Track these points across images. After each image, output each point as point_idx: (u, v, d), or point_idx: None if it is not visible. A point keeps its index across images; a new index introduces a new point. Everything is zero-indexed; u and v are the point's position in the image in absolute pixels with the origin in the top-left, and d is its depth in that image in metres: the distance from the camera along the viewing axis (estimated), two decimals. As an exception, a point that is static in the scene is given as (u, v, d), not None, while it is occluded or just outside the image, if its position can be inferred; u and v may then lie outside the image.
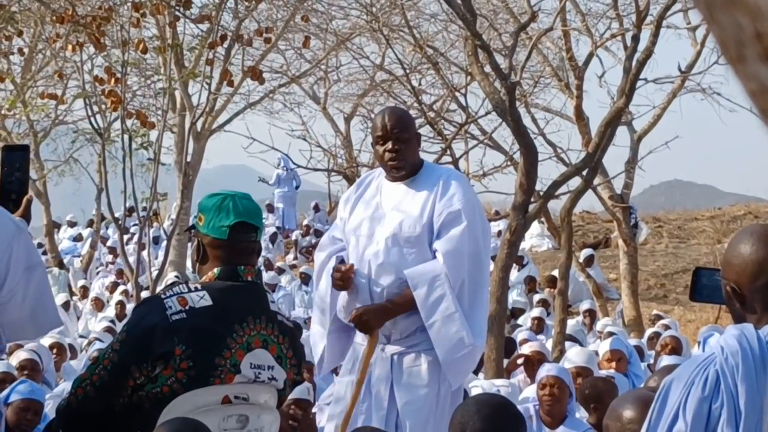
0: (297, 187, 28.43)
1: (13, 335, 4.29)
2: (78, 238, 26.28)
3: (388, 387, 5.38)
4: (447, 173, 5.53)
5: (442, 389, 5.33)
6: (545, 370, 7.57)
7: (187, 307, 4.11)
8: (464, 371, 5.41)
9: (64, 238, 26.43)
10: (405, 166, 5.42)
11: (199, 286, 4.20)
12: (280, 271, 20.77)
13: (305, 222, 26.90)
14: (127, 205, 12.71)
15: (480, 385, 8.14)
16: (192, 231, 4.40)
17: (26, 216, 4.37)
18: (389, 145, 5.39)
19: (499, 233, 18.81)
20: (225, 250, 4.26)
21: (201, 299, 4.14)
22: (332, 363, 5.75)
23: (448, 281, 5.26)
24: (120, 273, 20.99)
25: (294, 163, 14.08)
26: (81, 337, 15.40)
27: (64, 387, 8.51)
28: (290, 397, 7.58)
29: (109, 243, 24.90)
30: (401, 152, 5.38)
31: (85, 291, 19.82)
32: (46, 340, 10.94)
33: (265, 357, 4.20)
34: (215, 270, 4.24)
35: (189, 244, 18.30)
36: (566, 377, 7.58)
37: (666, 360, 8.96)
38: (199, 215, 4.33)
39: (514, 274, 17.02)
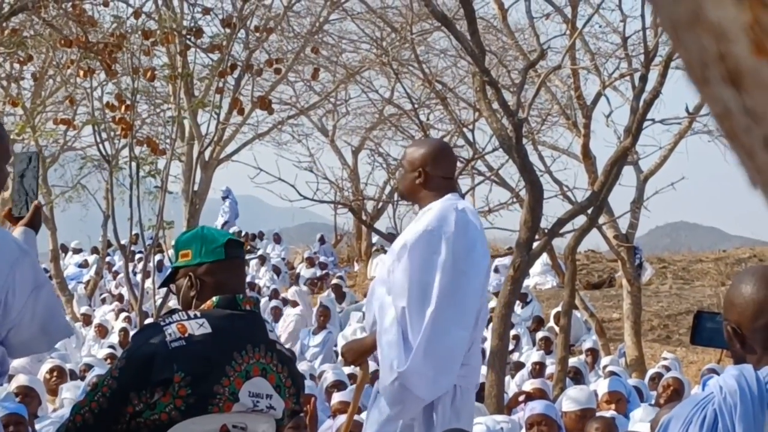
0: (236, 217, 28.65)
1: (26, 351, 4.35)
2: (84, 265, 26.32)
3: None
4: (435, 204, 5.43)
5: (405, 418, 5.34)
6: (529, 409, 7.58)
7: (186, 335, 4.11)
8: (396, 401, 5.29)
9: (69, 263, 26.46)
10: (399, 192, 5.71)
11: (198, 314, 4.20)
12: (285, 303, 20.76)
13: (306, 254, 26.93)
14: (134, 232, 12.73)
15: (483, 422, 8.13)
16: (178, 273, 4.38)
17: (35, 221, 4.42)
18: None
19: (496, 269, 18.78)
20: (225, 271, 4.28)
21: (200, 327, 4.15)
22: None
23: (392, 308, 5.30)
24: (122, 299, 21.02)
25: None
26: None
27: (62, 412, 8.53)
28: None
29: (114, 269, 24.94)
30: (398, 177, 5.68)
31: (87, 318, 19.80)
32: (47, 365, 10.96)
33: (264, 386, 4.21)
34: (214, 298, 4.25)
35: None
36: (552, 413, 7.58)
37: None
38: (182, 253, 4.32)
39: (518, 311, 17.02)
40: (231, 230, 26.44)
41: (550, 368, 13.04)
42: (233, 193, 28.05)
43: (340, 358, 15.70)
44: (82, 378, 11.01)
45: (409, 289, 5.27)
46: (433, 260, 5.28)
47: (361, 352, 5.45)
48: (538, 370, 13.96)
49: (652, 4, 0.88)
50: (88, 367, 11.84)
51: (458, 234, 5.36)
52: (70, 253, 27.48)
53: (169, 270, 4.53)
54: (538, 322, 17.78)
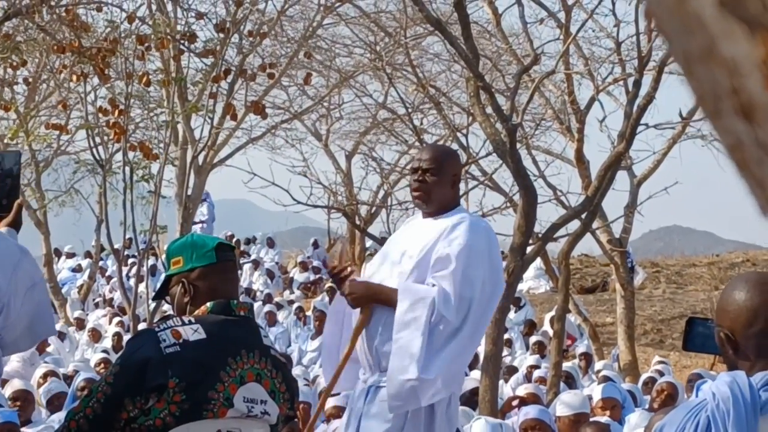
0: (213, 220, 28.65)
1: (13, 350, 4.38)
2: (77, 269, 26.31)
3: (357, 418, 5.49)
4: (465, 217, 5.55)
5: (408, 426, 5.35)
6: (523, 414, 7.60)
7: (180, 340, 4.13)
8: (398, 397, 5.34)
9: (62, 268, 26.44)
10: (427, 199, 5.56)
11: (192, 320, 4.22)
12: (279, 307, 20.76)
13: (300, 258, 26.93)
14: (127, 236, 12.72)
15: (484, 418, 8.17)
16: (171, 281, 4.39)
17: (17, 220, 4.44)
18: (416, 175, 5.58)
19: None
20: (217, 274, 4.31)
21: (195, 332, 4.16)
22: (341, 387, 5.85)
23: (430, 310, 5.32)
24: (111, 302, 21.00)
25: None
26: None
27: (57, 417, 8.52)
28: None
29: (107, 274, 24.92)
30: (425, 184, 5.53)
31: (81, 322, 19.78)
32: (40, 370, 10.94)
33: (259, 391, 4.22)
34: (208, 304, 4.27)
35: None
36: (546, 417, 7.60)
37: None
38: (174, 260, 4.35)
39: (512, 315, 17.01)
40: (222, 234, 26.43)
41: (542, 371, 13.05)
42: (211, 196, 28.00)
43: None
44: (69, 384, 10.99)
45: (456, 302, 5.35)
46: (470, 276, 5.38)
47: (369, 299, 5.50)
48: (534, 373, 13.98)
49: (664, 36, 0.88)
50: (77, 371, 11.83)
51: (487, 253, 5.51)
52: (63, 257, 27.46)
53: (162, 278, 4.54)
54: (531, 326, 17.79)
